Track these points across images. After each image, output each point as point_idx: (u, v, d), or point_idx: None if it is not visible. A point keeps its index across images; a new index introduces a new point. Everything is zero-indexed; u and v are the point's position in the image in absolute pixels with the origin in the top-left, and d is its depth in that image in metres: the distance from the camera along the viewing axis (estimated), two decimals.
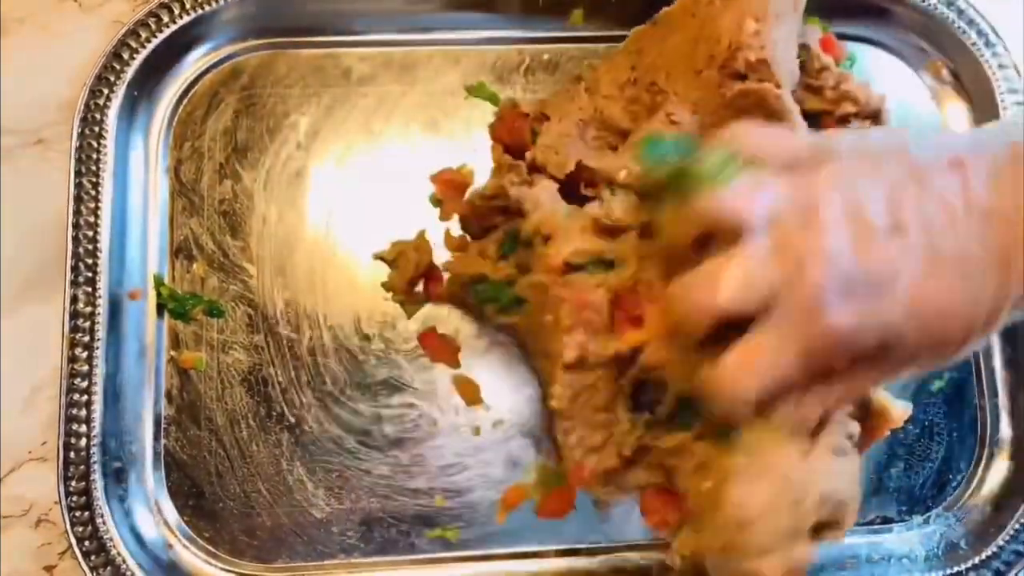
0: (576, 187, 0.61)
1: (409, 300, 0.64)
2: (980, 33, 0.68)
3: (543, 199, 0.58)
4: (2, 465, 0.61)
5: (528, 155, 0.61)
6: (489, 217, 0.62)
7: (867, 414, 0.60)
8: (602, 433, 0.56)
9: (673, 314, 0.46)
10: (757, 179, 0.44)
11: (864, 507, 0.64)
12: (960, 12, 0.69)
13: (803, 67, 0.58)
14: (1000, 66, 0.68)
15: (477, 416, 0.64)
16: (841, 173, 0.43)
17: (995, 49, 0.69)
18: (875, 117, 0.59)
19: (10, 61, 0.67)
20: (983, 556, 0.63)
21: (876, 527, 0.65)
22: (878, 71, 0.71)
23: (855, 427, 0.55)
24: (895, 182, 0.42)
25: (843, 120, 0.59)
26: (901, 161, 0.43)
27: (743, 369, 0.43)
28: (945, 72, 0.71)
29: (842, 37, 0.68)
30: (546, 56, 0.70)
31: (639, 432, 0.56)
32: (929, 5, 0.69)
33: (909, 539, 0.65)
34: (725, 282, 0.42)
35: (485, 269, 0.60)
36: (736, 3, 0.55)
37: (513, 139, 0.63)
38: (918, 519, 0.65)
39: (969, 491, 0.65)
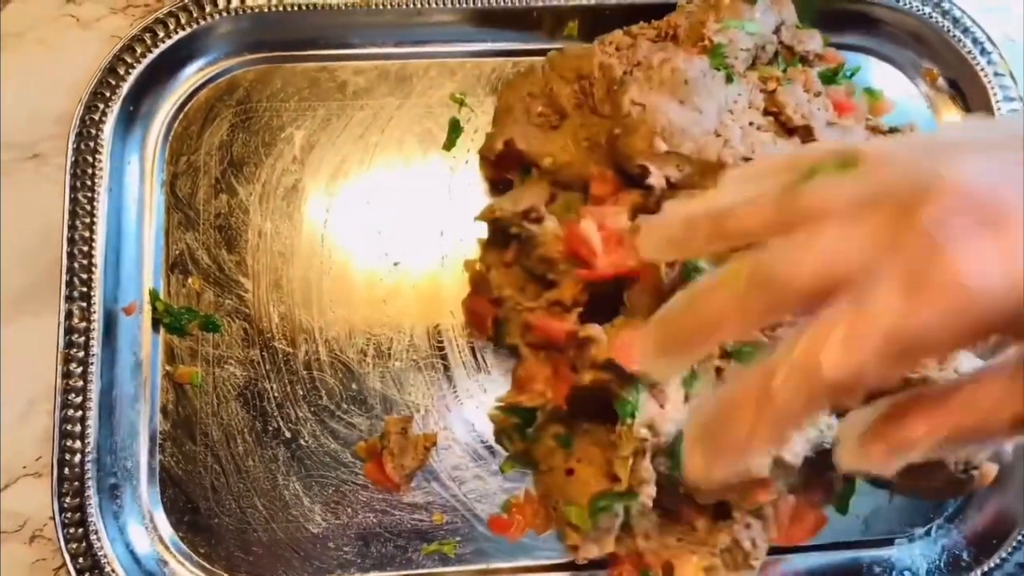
0: (506, 169, 0.63)
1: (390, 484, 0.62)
2: (975, 42, 0.69)
3: None
4: None
5: None
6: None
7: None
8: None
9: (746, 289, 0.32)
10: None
11: (867, 521, 0.64)
12: (955, 21, 0.69)
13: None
14: (996, 74, 0.68)
15: (473, 430, 0.63)
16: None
17: (990, 57, 0.69)
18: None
19: (8, 75, 0.67)
20: (986, 568, 0.62)
21: (878, 540, 0.64)
22: (875, 81, 0.70)
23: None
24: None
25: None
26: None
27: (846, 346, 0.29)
28: (941, 81, 0.71)
29: (839, 47, 0.68)
30: None
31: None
32: (924, 15, 0.69)
33: (911, 552, 0.64)
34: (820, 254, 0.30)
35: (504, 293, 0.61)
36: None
37: None
38: (920, 531, 0.64)
39: (972, 502, 0.65)
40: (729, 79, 0.58)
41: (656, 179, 0.57)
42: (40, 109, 0.67)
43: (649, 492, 0.54)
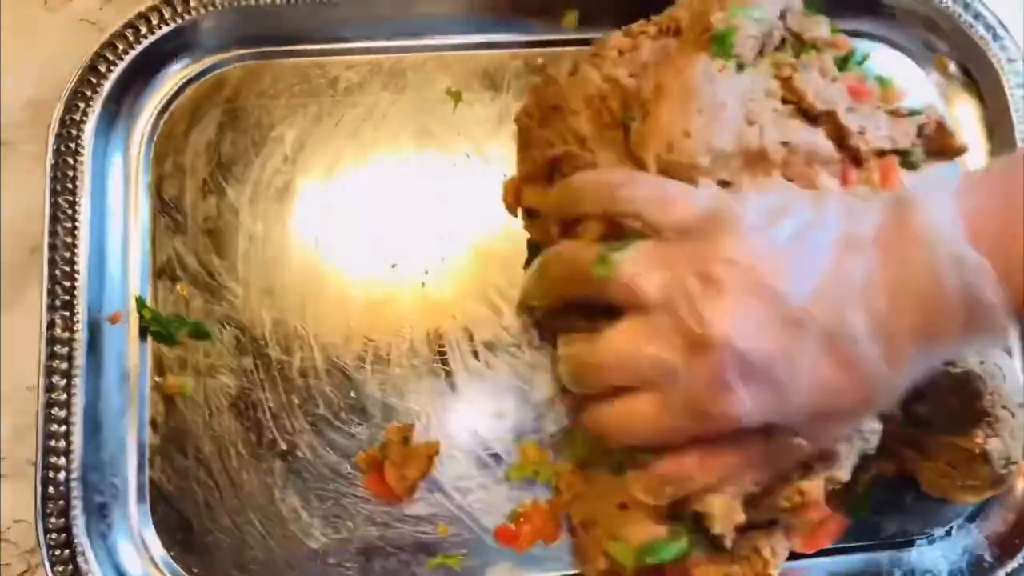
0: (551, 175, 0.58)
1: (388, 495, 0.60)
2: (987, 27, 0.67)
3: None
4: None
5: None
6: None
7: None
8: None
9: (565, 377, 0.49)
10: (650, 251, 0.44)
11: (885, 523, 0.62)
12: (966, 5, 0.67)
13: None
14: (1008, 60, 0.66)
15: (478, 437, 0.61)
16: (741, 244, 0.42)
17: (1003, 43, 0.67)
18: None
19: None
20: (1010, 568, 0.61)
21: (897, 542, 0.62)
22: (884, 68, 0.68)
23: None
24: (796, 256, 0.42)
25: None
26: (802, 237, 0.42)
27: (623, 425, 0.46)
28: (952, 67, 0.69)
29: (847, 33, 0.66)
30: (540, 60, 0.67)
31: None
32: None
33: (931, 553, 0.62)
34: (617, 359, 0.44)
35: None
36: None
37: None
38: (940, 532, 0.62)
39: (993, 500, 0.63)
40: (740, 67, 0.55)
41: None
42: (6, 95, 0.64)
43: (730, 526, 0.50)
